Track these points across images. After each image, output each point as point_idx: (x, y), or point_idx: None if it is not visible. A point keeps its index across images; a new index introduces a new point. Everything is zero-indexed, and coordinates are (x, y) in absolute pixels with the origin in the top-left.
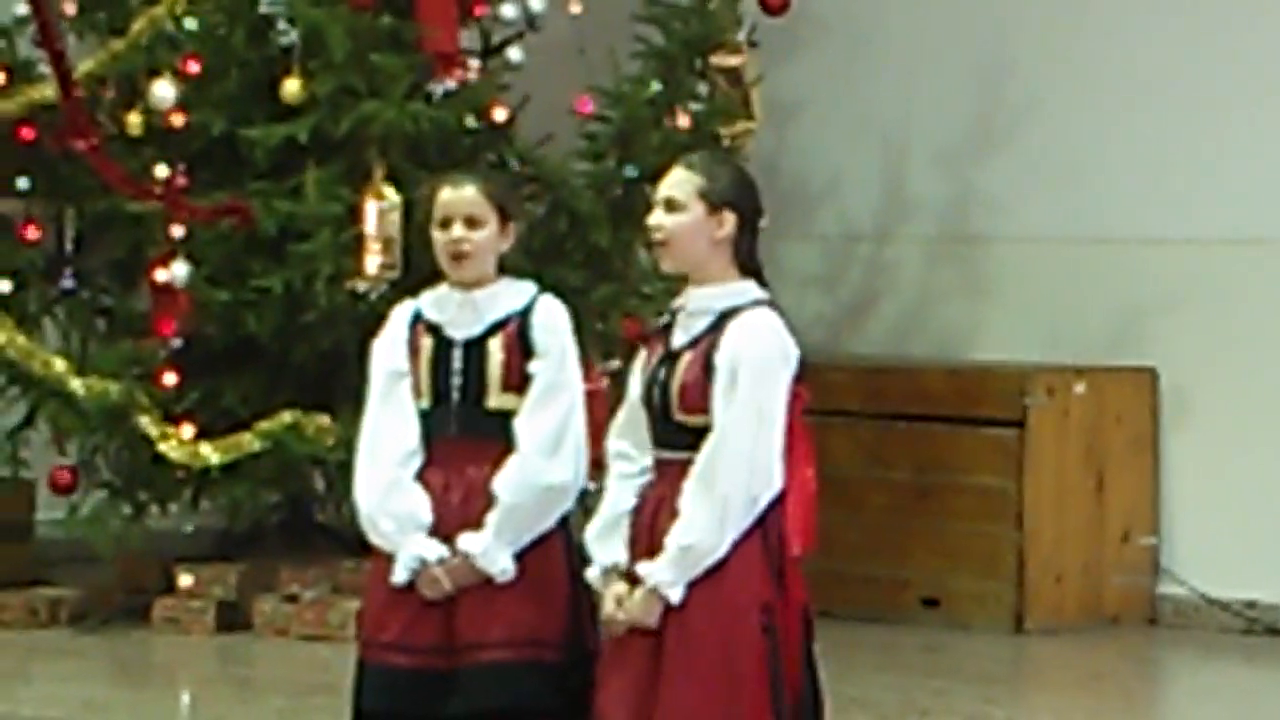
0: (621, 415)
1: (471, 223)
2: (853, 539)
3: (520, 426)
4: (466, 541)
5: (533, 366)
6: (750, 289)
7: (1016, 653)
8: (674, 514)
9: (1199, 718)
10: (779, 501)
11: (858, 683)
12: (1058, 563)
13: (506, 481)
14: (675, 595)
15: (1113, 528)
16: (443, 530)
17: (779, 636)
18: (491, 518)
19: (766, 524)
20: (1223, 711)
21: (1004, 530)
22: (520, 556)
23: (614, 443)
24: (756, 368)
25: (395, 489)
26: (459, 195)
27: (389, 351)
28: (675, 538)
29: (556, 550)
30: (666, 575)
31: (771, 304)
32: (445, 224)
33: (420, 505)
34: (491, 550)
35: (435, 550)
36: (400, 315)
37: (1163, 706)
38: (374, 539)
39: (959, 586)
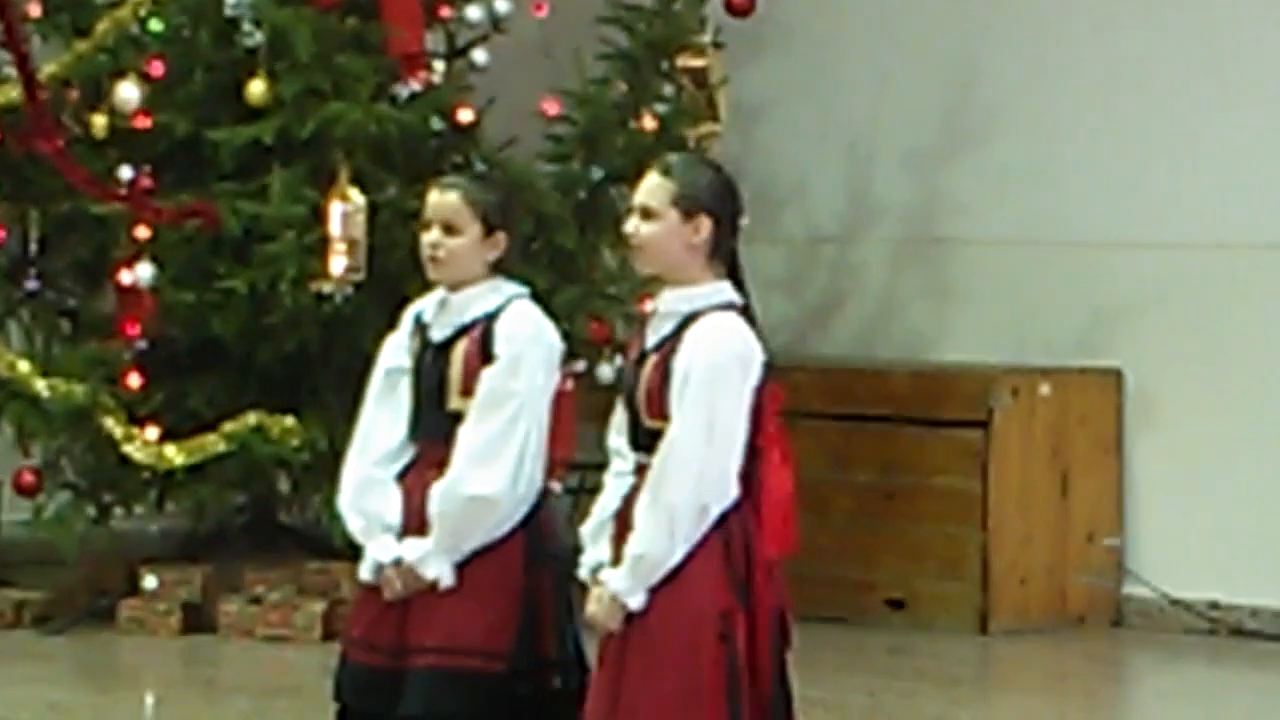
0: (616, 414)
1: (449, 229)
2: (818, 541)
3: (460, 434)
4: (407, 547)
5: (484, 372)
6: (720, 291)
7: (981, 654)
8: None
9: (1163, 718)
10: (740, 508)
11: (823, 684)
12: (1023, 564)
13: (436, 489)
14: (634, 602)
15: (1077, 529)
16: (408, 531)
17: (737, 645)
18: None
19: (729, 530)
20: (1187, 712)
21: (969, 531)
22: (469, 563)
23: (612, 439)
24: (707, 374)
25: (368, 488)
26: (441, 200)
27: (391, 350)
28: (629, 546)
29: (511, 558)
30: (623, 583)
31: (738, 307)
32: (427, 226)
33: (390, 506)
34: (428, 557)
35: (389, 552)
36: (408, 315)
37: (1127, 707)
38: (352, 536)
39: (924, 588)
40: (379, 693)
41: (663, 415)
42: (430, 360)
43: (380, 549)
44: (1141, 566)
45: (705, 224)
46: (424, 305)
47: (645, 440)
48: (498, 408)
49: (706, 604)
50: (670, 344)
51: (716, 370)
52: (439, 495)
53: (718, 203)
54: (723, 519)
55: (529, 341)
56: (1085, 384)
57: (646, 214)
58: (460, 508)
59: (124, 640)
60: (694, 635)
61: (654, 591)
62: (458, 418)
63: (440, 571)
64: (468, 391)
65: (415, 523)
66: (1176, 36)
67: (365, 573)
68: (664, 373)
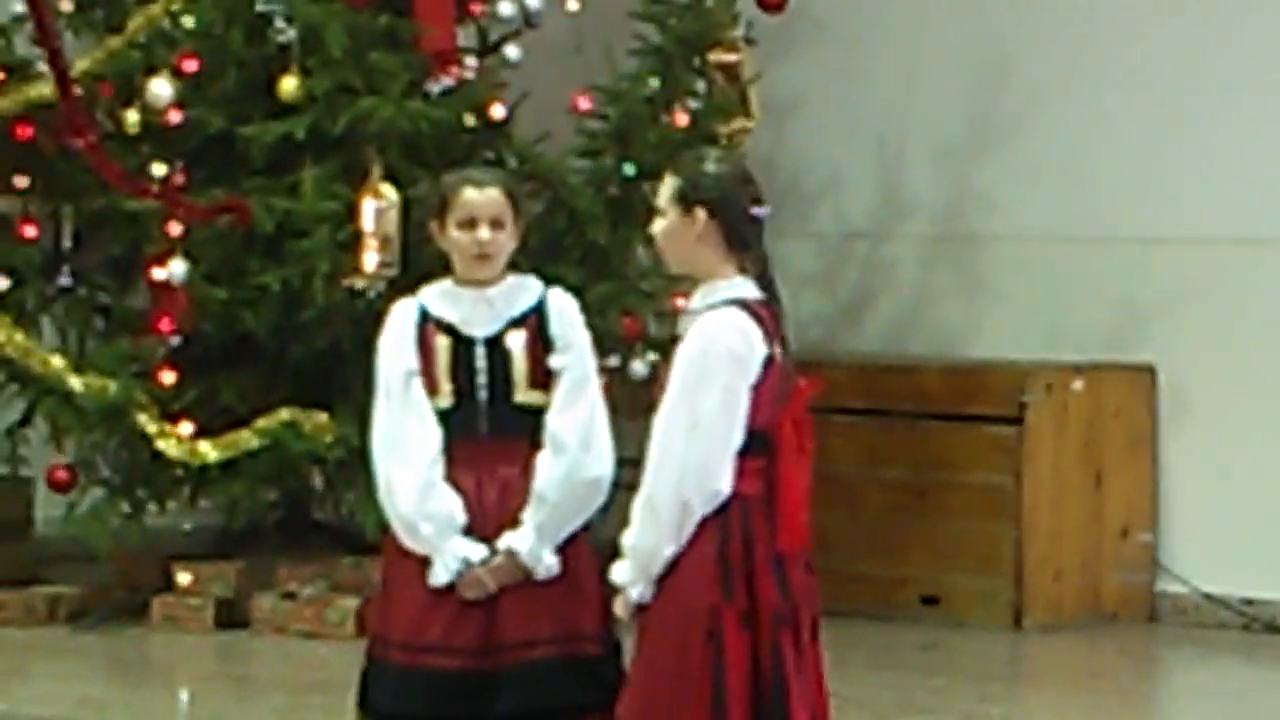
0: None
1: (496, 224)
2: (851, 537)
3: (555, 422)
4: (511, 540)
5: (555, 361)
6: (735, 286)
7: (1015, 650)
8: None
9: (1197, 715)
10: (744, 502)
11: (856, 681)
12: (1056, 560)
13: (551, 479)
14: (635, 593)
15: (1111, 525)
16: (479, 530)
17: (724, 642)
18: (530, 515)
19: (728, 525)
20: (1221, 709)
21: (1002, 528)
22: (560, 552)
23: None
24: (689, 369)
25: (431, 491)
26: (486, 197)
27: (400, 350)
28: (624, 538)
29: (585, 543)
30: (625, 575)
31: (747, 302)
32: (470, 224)
33: (457, 507)
34: (536, 548)
35: (479, 551)
36: (405, 313)
37: (1161, 704)
38: (411, 542)
39: (957, 584)
40: (465, 697)
41: None
42: (483, 356)
43: (466, 549)
44: (1175, 562)
45: (700, 215)
46: (424, 302)
47: None
48: (584, 392)
49: (695, 599)
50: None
51: (700, 364)
52: (556, 484)
53: (713, 193)
54: (722, 513)
55: (584, 329)
56: (1118, 379)
57: (656, 214)
58: (583, 493)
59: (157, 636)
60: (684, 632)
61: (659, 583)
62: (527, 410)
63: (549, 561)
64: (534, 384)
65: (492, 520)
66: (1209, 30)
67: (444, 576)
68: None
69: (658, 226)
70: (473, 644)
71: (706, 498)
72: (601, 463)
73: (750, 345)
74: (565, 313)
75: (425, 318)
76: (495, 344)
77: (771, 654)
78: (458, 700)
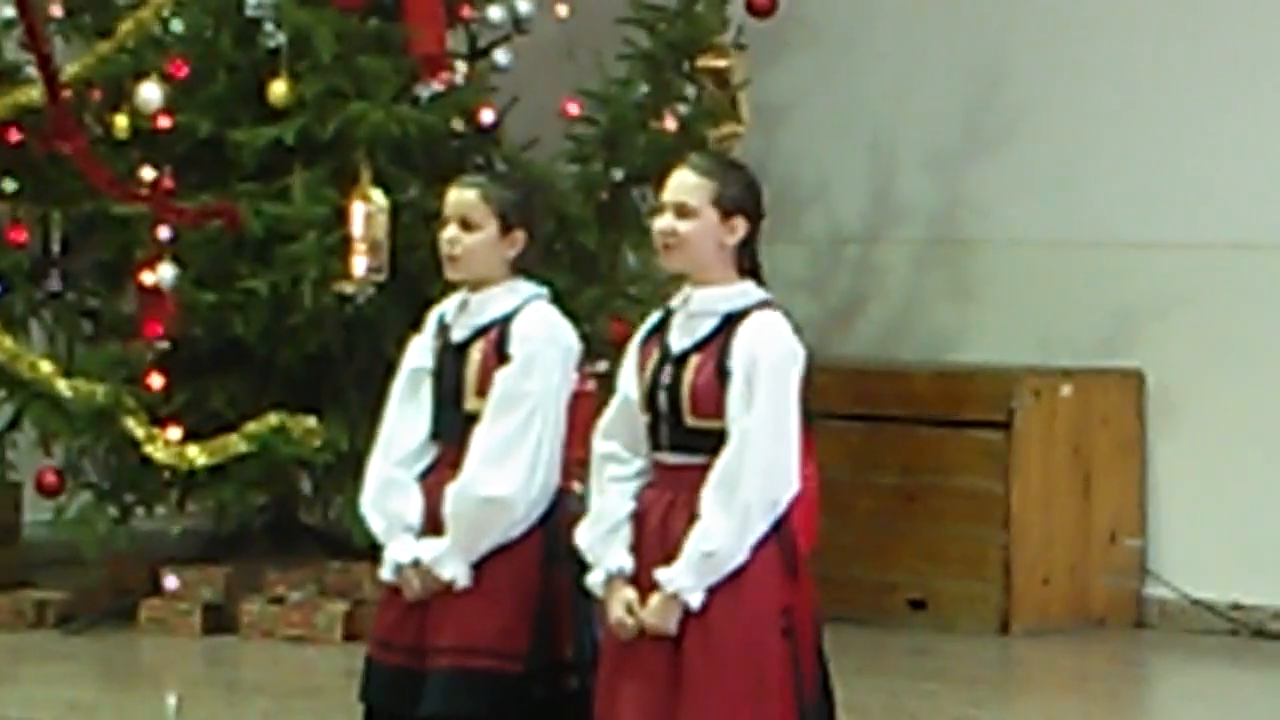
0: (610, 417)
1: (466, 225)
2: (840, 541)
3: (475, 435)
4: (424, 547)
5: (498, 375)
6: (751, 290)
7: (1003, 654)
8: (690, 518)
9: None
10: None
11: (844, 686)
12: (1044, 565)
13: (450, 490)
14: (695, 601)
15: (1099, 530)
16: (427, 532)
17: (799, 640)
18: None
19: (781, 525)
20: (1209, 713)
21: (991, 532)
22: (485, 563)
23: (602, 444)
24: (773, 371)
25: (390, 488)
26: (459, 197)
27: (415, 351)
28: (696, 544)
29: (528, 559)
30: (687, 581)
31: (774, 304)
32: (445, 223)
33: (411, 506)
34: (444, 557)
35: (408, 553)
36: (434, 314)
37: (1149, 708)
38: (374, 537)
39: (946, 588)
40: (401, 693)
41: (715, 414)
42: (450, 361)
43: (399, 549)
44: (1163, 567)
45: (741, 225)
46: (447, 306)
47: (686, 440)
48: (511, 409)
49: (768, 601)
50: (717, 343)
51: (781, 365)
52: (453, 496)
53: (753, 205)
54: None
55: (543, 342)
56: (1107, 385)
57: (684, 212)
58: (474, 508)
59: (145, 640)
60: (758, 632)
61: (713, 590)
62: (473, 419)
63: (456, 572)
64: (483, 393)
65: (433, 523)
66: (1200, 36)
67: (386, 573)
68: (719, 372)
69: (685, 225)
70: (408, 642)
71: (788, 496)
72: (507, 483)
73: (800, 346)
74: (524, 330)
75: (441, 321)
76: (460, 350)
77: (815, 651)
78: (394, 696)
